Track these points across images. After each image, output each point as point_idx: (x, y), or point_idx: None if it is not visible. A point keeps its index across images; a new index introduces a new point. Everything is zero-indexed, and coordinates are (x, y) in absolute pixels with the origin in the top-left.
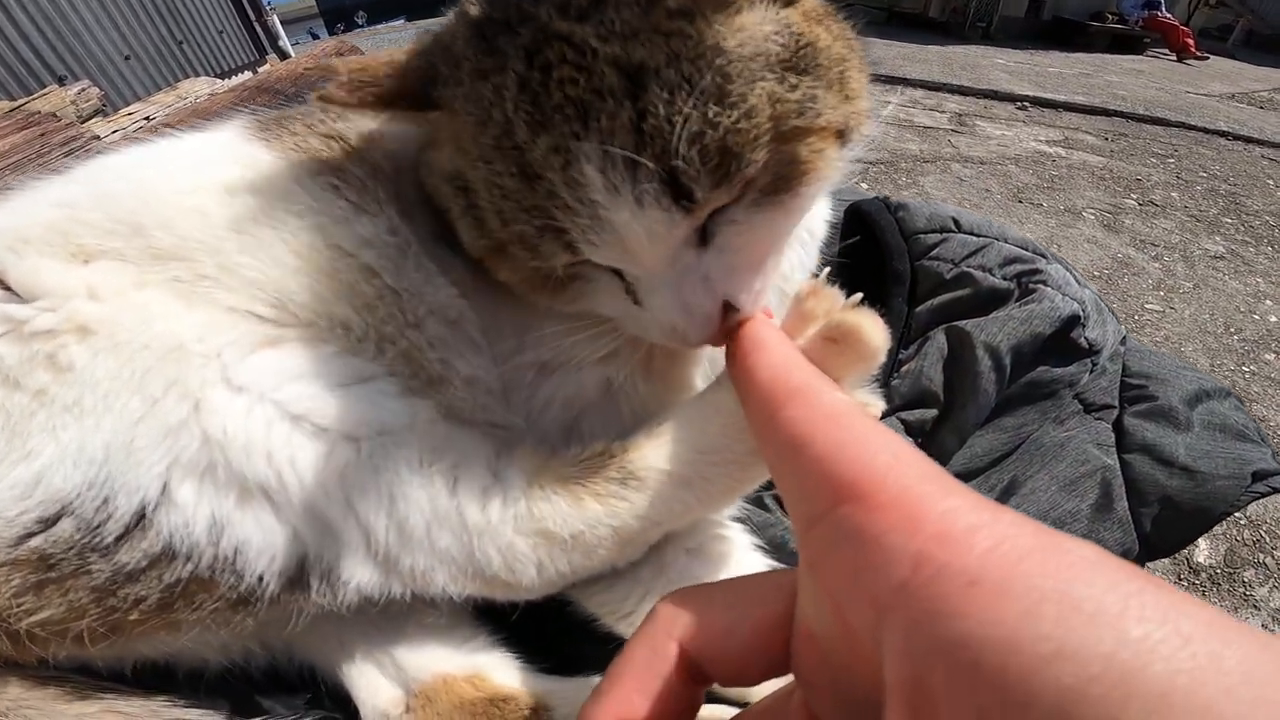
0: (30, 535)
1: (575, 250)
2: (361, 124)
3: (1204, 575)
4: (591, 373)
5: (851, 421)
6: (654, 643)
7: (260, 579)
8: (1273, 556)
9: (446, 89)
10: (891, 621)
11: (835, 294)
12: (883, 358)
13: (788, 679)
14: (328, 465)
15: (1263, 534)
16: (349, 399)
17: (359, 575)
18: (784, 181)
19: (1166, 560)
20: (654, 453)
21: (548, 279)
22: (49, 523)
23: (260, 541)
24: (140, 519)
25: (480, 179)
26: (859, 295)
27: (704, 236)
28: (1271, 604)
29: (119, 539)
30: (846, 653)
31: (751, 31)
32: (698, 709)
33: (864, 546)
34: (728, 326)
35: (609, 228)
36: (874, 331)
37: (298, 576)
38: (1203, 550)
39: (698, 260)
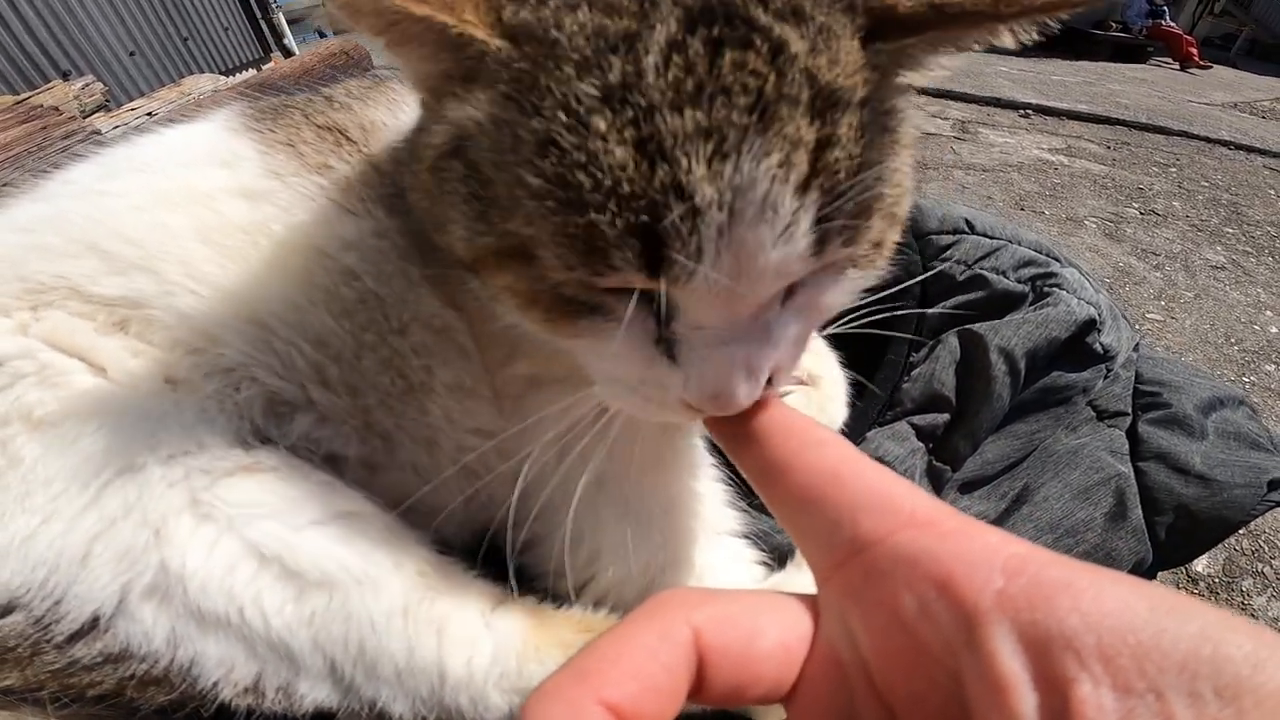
0: None
1: (660, 267)
2: (364, 115)
3: (1202, 584)
4: (587, 391)
5: (883, 469)
6: (666, 625)
7: (215, 684)
8: (1271, 566)
9: (539, 10)
10: (996, 622)
11: None
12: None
13: None
14: (296, 608)
15: (1261, 544)
16: (327, 541)
17: (317, 694)
18: (866, 259)
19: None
20: None
21: (564, 302)
22: (2, 612)
23: (219, 655)
24: (94, 624)
25: (538, 142)
26: None
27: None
28: (1269, 613)
29: (72, 638)
30: (884, 673)
31: (904, 108)
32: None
33: (944, 562)
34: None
35: (730, 249)
36: None
37: (253, 686)
38: (1201, 560)
39: (776, 317)
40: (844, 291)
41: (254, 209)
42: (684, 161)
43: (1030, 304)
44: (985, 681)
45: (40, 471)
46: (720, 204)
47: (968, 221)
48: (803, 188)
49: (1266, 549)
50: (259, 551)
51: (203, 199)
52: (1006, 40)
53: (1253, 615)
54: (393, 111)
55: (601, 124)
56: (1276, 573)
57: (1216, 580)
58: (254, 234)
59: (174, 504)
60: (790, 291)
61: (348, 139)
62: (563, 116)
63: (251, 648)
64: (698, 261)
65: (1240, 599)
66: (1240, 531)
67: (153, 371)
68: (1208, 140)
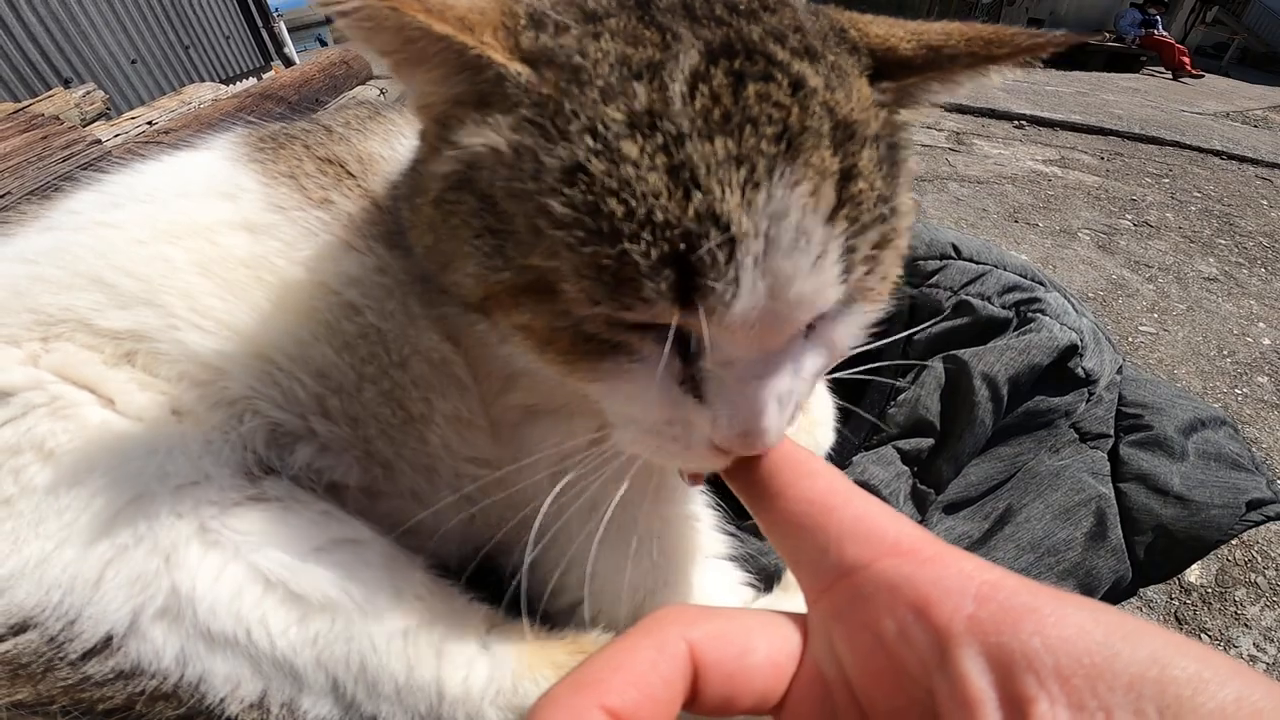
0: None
1: (694, 298)
2: (363, 147)
3: (1195, 595)
4: (582, 421)
5: (870, 498)
6: (663, 639)
7: (222, 700)
8: (1264, 576)
9: (559, 38)
10: (967, 645)
11: None
12: None
13: None
14: (300, 630)
15: (1254, 554)
16: (331, 567)
17: (320, 710)
18: (874, 293)
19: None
20: None
21: (585, 340)
22: (16, 630)
23: (226, 673)
24: (107, 643)
25: (565, 169)
26: None
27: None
28: (1263, 622)
29: (85, 655)
30: (866, 690)
31: (907, 145)
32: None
33: (921, 589)
34: None
35: (766, 279)
36: None
37: (259, 702)
38: (1194, 570)
39: (800, 351)
40: (856, 325)
41: (256, 242)
42: (718, 190)
43: (1014, 329)
44: (956, 700)
45: (53, 500)
46: (756, 232)
47: (954, 247)
48: (831, 218)
49: (1260, 559)
50: (264, 576)
51: (204, 231)
52: (995, 80)
53: (1246, 625)
54: (389, 143)
55: (632, 150)
56: (1270, 582)
57: (1210, 591)
58: (255, 268)
59: (183, 532)
60: (810, 326)
61: (348, 173)
62: (590, 142)
63: (257, 666)
64: (735, 291)
65: (1234, 609)
66: (1234, 542)
67: (160, 403)
68: (1200, 150)
